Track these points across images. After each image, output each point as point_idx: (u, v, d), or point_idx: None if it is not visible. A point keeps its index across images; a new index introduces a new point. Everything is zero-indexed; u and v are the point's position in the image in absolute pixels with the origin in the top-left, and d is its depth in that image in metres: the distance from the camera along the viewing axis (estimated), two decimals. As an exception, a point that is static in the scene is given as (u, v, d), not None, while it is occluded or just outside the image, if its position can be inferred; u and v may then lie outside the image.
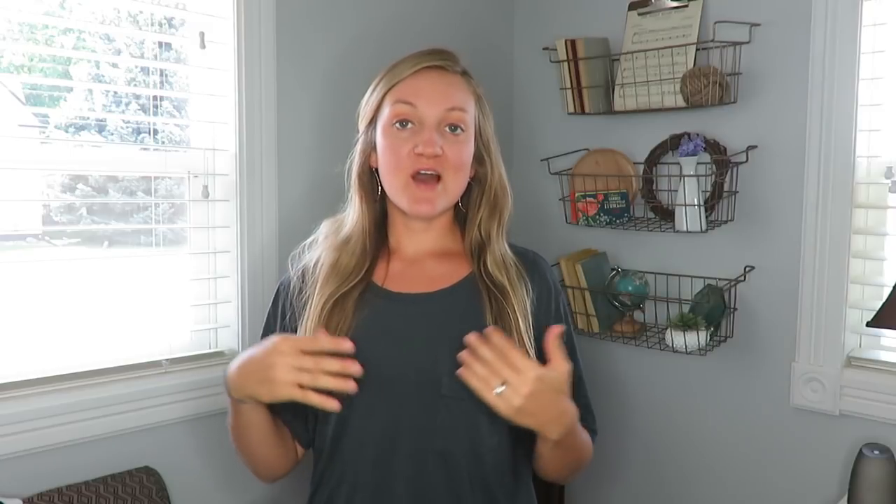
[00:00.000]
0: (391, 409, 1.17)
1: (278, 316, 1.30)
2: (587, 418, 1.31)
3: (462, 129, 1.22)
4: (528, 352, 1.17)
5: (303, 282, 1.27)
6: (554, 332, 1.08)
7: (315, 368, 1.06)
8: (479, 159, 1.27)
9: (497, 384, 1.03)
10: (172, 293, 1.73)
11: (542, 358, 1.15)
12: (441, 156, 1.19)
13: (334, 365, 1.06)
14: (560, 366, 1.07)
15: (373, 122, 1.26)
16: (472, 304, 1.22)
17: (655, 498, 2.17)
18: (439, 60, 1.24)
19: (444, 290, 1.24)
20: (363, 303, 1.22)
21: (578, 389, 1.29)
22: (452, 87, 1.23)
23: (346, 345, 1.07)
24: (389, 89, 1.23)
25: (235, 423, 1.21)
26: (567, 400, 1.11)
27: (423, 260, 1.28)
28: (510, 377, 1.02)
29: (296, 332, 1.23)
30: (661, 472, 2.15)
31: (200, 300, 1.78)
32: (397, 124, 1.21)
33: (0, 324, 1.50)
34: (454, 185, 1.23)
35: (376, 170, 1.26)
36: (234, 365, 1.15)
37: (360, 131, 1.29)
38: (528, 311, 1.21)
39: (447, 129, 1.21)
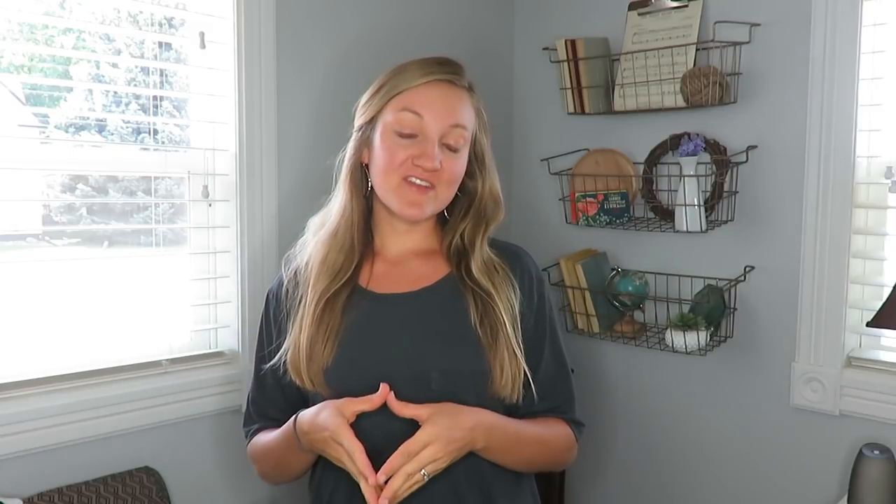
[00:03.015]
0: (384, 408, 1.17)
1: (271, 323, 1.32)
2: (566, 408, 1.32)
3: (460, 147, 1.24)
4: (516, 353, 1.20)
5: (296, 282, 1.28)
6: (393, 405, 1.13)
7: None
8: (469, 173, 1.29)
9: (419, 475, 1.09)
10: (172, 293, 1.73)
11: (528, 350, 1.22)
12: (438, 170, 1.21)
13: None
14: (423, 415, 1.12)
15: (373, 121, 1.26)
16: (456, 301, 1.24)
17: (655, 497, 2.16)
18: (449, 74, 1.25)
19: (427, 288, 1.26)
20: (350, 305, 1.24)
21: (559, 381, 1.31)
22: (459, 103, 1.24)
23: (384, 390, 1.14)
24: (397, 94, 1.23)
25: (287, 461, 1.27)
26: (465, 418, 1.14)
27: (405, 260, 1.30)
28: (417, 464, 1.08)
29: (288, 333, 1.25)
30: (662, 472, 2.15)
31: (200, 300, 1.78)
32: (400, 131, 1.22)
33: (0, 324, 1.50)
34: (445, 196, 1.25)
35: (366, 166, 1.27)
36: (305, 430, 1.18)
37: (357, 127, 1.29)
38: (516, 312, 1.23)
39: (446, 144, 1.22)
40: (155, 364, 1.67)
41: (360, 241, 1.28)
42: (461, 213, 1.30)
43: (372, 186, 1.27)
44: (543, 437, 1.27)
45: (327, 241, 1.27)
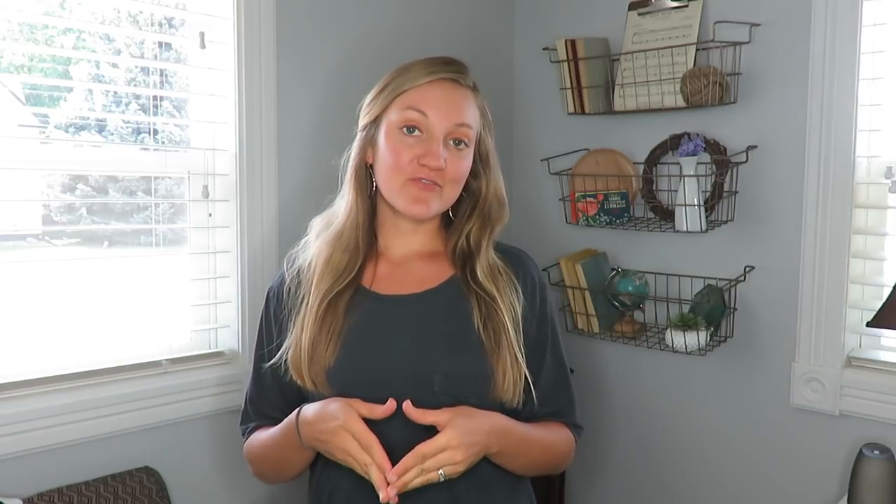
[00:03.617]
0: (394, 413, 1.17)
1: (271, 321, 1.31)
2: (566, 412, 1.33)
3: (465, 145, 1.24)
4: (518, 357, 1.20)
5: (298, 281, 1.28)
6: (412, 413, 1.12)
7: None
8: (473, 173, 1.29)
9: (434, 474, 1.09)
10: (172, 293, 1.73)
11: (530, 355, 1.22)
12: (443, 169, 1.21)
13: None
14: (442, 421, 1.11)
15: (377, 120, 1.26)
16: (460, 303, 1.23)
17: (655, 498, 2.16)
18: (454, 73, 1.25)
19: (431, 290, 1.26)
20: (353, 306, 1.23)
21: (560, 385, 1.32)
22: (464, 102, 1.25)
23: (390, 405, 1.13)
24: (401, 93, 1.23)
25: (285, 459, 1.26)
26: (481, 421, 1.15)
27: (409, 261, 1.29)
28: (435, 462, 1.09)
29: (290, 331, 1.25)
30: (661, 472, 2.15)
31: (200, 300, 1.78)
32: (405, 129, 1.22)
33: (0, 324, 1.50)
34: (451, 195, 1.25)
35: (371, 166, 1.27)
36: (310, 420, 1.17)
37: (362, 127, 1.29)
38: (519, 316, 1.24)
39: (451, 142, 1.23)
40: (155, 364, 1.67)
41: (365, 242, 1.28)
42: (466, 214, 1.30)
43: (376, 186, 1.27)
44: (548, 441, 1.28)
45: (332, 242, 1.27)
